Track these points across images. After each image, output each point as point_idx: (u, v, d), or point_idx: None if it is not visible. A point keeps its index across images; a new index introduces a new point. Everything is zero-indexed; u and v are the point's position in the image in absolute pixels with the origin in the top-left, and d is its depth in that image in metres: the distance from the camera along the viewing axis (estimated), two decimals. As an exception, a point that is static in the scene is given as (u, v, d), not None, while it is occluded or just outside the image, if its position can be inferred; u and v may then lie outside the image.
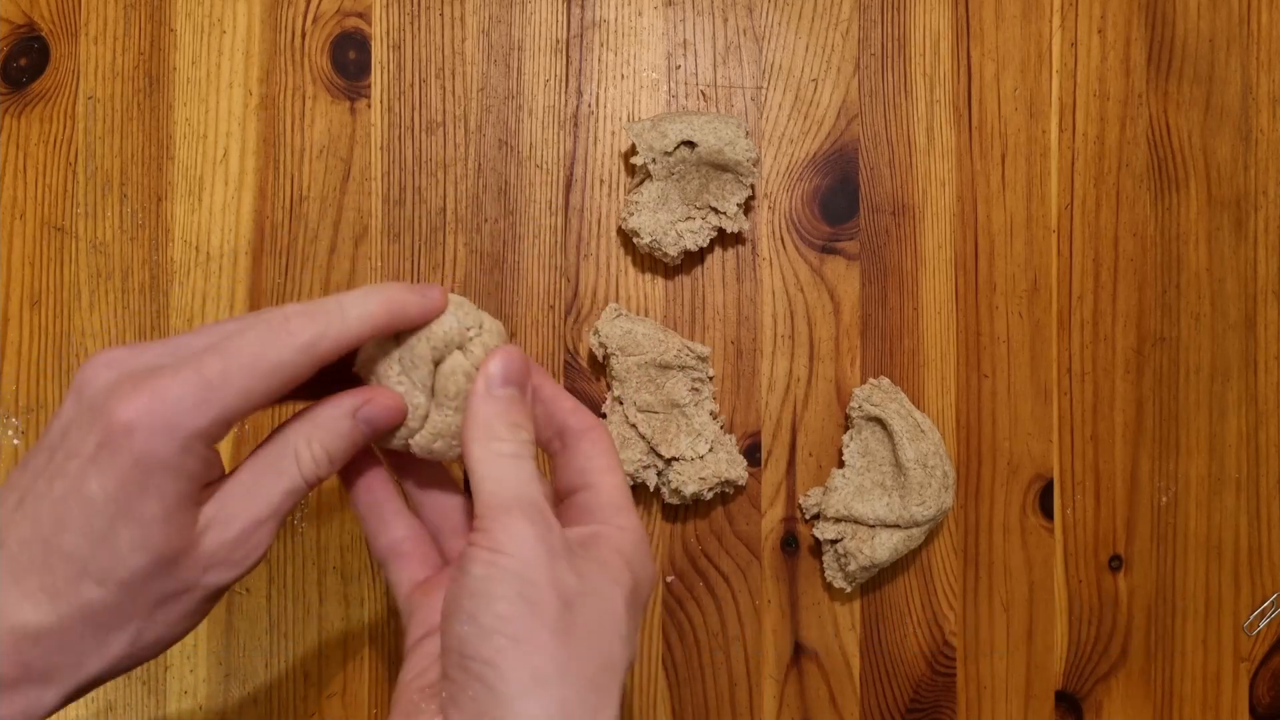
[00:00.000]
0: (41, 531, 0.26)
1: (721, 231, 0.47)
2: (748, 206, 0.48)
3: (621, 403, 0.45)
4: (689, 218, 0.46)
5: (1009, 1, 0.50)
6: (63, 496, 0.26)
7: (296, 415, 0.30)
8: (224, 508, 0.28)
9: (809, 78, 0.49)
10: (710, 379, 0.47)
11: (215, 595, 0.29)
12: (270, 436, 0.30)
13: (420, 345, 0.30)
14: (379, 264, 0.47)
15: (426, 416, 0.31)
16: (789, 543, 0.48)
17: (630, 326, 0.45)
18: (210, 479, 0.28)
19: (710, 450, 0.45)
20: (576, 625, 0.27)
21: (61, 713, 0.46)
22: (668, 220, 0.46)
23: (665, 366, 0.45)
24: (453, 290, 0.38)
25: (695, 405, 0.46)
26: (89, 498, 0.26)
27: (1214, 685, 0.50)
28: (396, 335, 0.31)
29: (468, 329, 0.31)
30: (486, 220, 0.48)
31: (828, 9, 0.49)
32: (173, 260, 0.47)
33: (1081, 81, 0.50)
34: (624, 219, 0.46)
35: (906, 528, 0.45)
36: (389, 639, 0.47)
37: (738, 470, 0.46)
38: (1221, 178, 0.50)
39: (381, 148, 0.48)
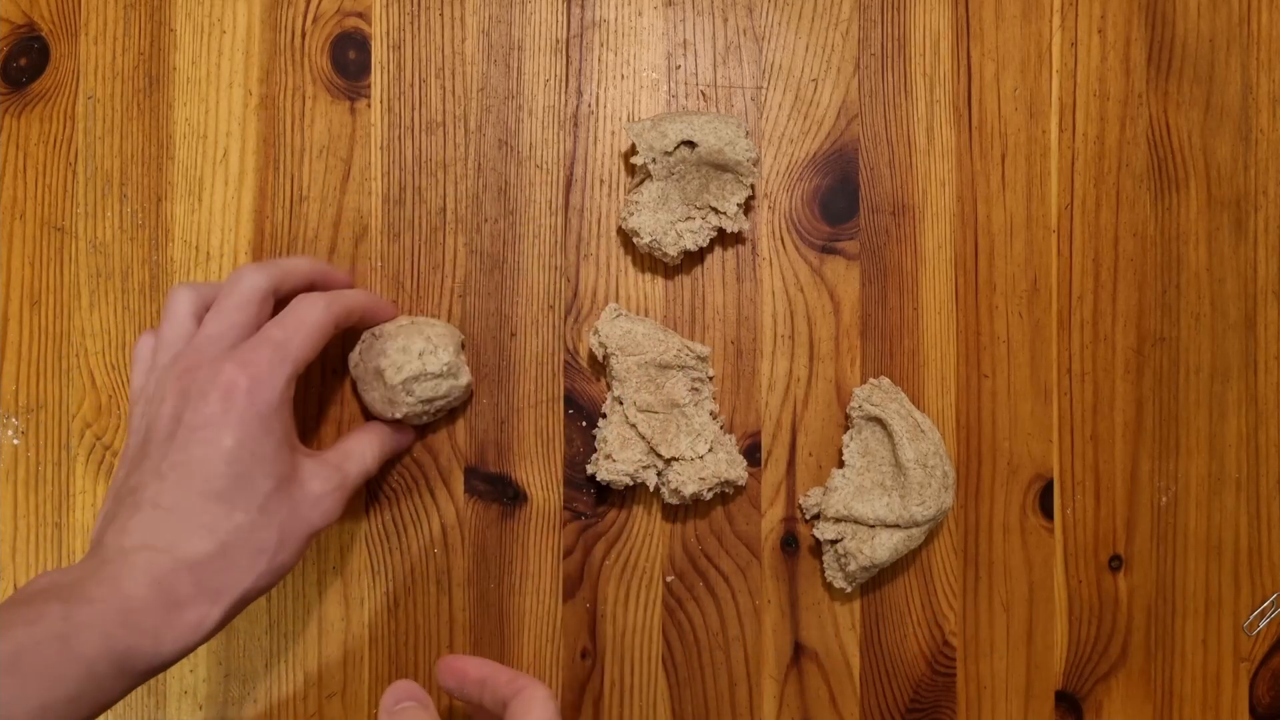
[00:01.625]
0: (192, 486, 0.35)
1: (721, 231, 0.47)
2: (748, 206, 0.48)
3: (621, 403, 0.45)
4: (689, 218, 0.46)
5: (1009, 1, 0.50)
6: (203, 456, 0.35)
7: (358, 430, 0.44)
8: (320, 465, 0.39)
9: (809, 78, 0.49)
10: (710, 379, 0.47)
11: (311, 535, 0.38)
12: (340, 442, 0.43)
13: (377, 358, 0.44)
14: (379, 264, 0.47)
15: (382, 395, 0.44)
16: (789, 543, 0.48)
17: (630, 326, 0.45)
18: (290, 428, 0.38)
19: (710, 450, 0.45)
20: None
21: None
22: (668, 220, 0.46)
23: (665, 366, 0.45)
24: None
25: (695, 405, 0.46)
26: (226, 448, 0.35)
27: (1214, 685, 0.50)
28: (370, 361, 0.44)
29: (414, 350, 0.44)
30: (486, 220, 0.48)
31: (828, 9, 0.49)
32: (173, 260, 0.47)
33: (1081, 81, 0.50)
34: (624, 219, 0.46)
35: (906, 528, 0.45)
36: (389, 639, 0.47)
37: (738, 470, 0.46)
38: (1221, 178, 0.50)
39: (381, 148, 0.48)
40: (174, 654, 0.34)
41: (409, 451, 0.47)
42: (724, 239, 0.48)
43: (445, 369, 0.43)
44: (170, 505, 0.35)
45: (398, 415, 0.44)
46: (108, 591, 0.33)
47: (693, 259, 0.48)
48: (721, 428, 0.47)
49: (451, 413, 0.47)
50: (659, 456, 0.45)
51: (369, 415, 0.47)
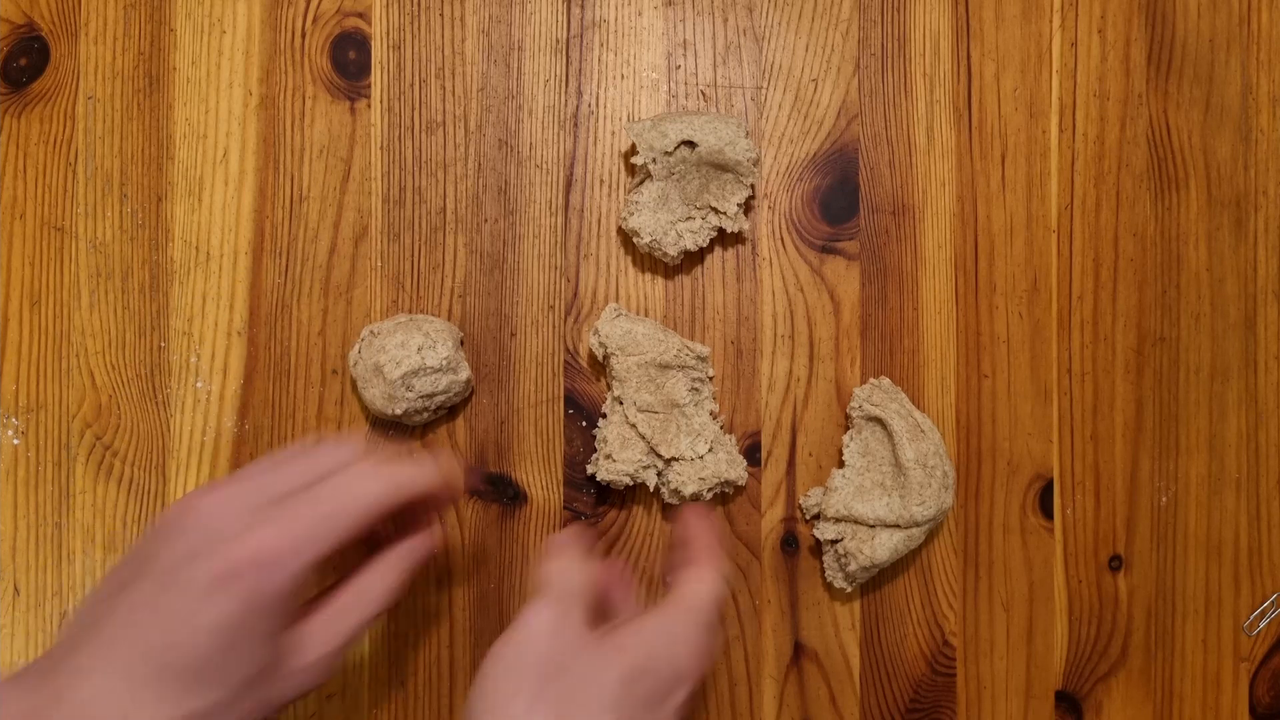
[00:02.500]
0: (154, 652, 0.30)
1: (721, 231, 0.47)
2: (748, 206, 0.48)
3: (621, 403, 0.45)
4: (689, 218, 0.46)
5: (1009, 1, 0.50)
6: (182, 618, 0.30)
7: (365, 567, 0.37)
8: (308, 637, 0.34)
9: (809, 78, 0.49)
10: (710, 379, 0.46)
11: (282, 707, 0.33)
12: (346, 579, 0.36)
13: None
14: (379, 264, 0.47)
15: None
16: (789, 543, 0.48)
17: (630, 326, 0.45)
18: (300, 597, 0.33)
19: (710, 450, 0.45)
20: (555, 694, 0.32)
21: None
22: (668, 220, 0.46)
23: (665, 366, 0.45)
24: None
25: (695, 405, 0.46)
26: (207, 624, 0.30)
27: (1214, 685, 0.50)
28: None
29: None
30: (486, 220, 0.48)
31: (828, 9, 0.49)
32: (173, 260, 0.47)
33: (1081, 81, 0.50)
34: (624, 219, 0.46)
35: (906, 528, 0.45)
36: (389, 639, 0.47)
37: (737, 470, 0.46)
38: (1221, 178, 0.50)
39: (381, 148, 0.48)
40: None
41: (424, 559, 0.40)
42: (724, 239, 0.48)
43: (444, 363, 0.44)
44: (126, 663, 0.30)
45: (397, 411, 0.44)
46: None
47: (693, 259, 0.48)
48: (721, 428, 0.47)
49: (451, 411, 0.47)
50: (659, 456, 0.45)
51: (369, 414, 0.47)
